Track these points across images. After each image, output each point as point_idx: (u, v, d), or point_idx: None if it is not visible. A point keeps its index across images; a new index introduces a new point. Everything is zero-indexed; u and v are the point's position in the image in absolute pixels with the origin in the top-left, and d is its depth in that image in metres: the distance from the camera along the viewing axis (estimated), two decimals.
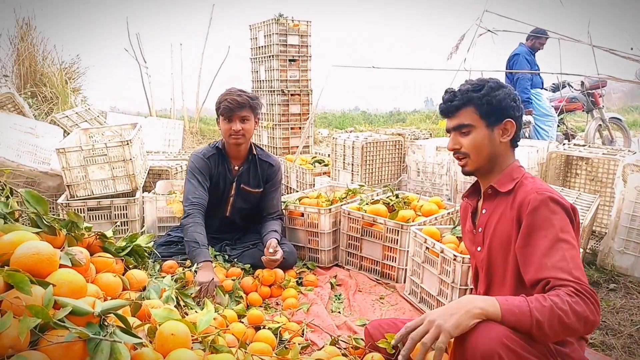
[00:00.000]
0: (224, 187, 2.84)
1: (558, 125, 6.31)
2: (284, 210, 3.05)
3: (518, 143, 1.58)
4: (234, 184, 2.85)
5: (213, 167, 2.80)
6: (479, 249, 1.60)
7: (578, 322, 1.17)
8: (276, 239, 2.66)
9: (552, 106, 6.03)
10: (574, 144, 3.81)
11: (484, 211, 1.58)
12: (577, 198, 2.98)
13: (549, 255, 1.28)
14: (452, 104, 1.53)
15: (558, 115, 6.09)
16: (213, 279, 2.24)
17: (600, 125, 6.32)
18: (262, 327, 2.01)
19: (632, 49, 2.52)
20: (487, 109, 1.49)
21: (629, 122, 8.02)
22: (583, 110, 6.55)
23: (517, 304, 1.18)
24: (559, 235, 1.30)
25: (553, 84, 6.36)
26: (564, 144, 3.81)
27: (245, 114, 2.68)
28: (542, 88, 5.93)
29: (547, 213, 1.34)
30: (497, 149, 1.52)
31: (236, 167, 2.85)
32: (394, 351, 1.68)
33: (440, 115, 1.62)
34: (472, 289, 2.02)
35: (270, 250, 2.54)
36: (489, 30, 2.12)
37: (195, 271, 2.30)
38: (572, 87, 6.45)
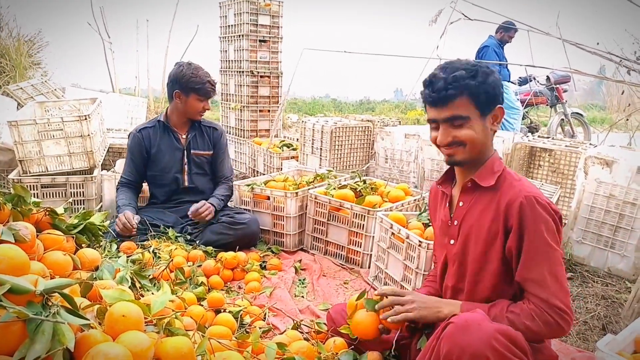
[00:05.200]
0: (173, 156, 2.90)
1: (523, 119, 6.44)
2: (250, 193, 2.99)
3: None
4: (185, 151, 2.92)
5: (149, 138, 2.88)
6: (452, 242, 1.51)
7: (531, 338, 1.26)
8: (212, 203, 2.82)
9: (518, 99, 6.14)
10: (539, 136, 3.88)
11: (461, 204, 1.48)
12: (539, 189, 3.03)
13: (535, 264, 1.31)
14: (446, 93, 1.34)
15: (523, 109, 6.21)
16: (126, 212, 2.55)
17: (562, 119, 6.49)
18: (222, 310, 1.96)
19: (598, 43, 2.55)
20: (484, 98, 1.36)
21: (588, 118, 8.28)
22: (547, 105, 6.70)
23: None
24: (549, 242, 1.30)
25: (520, 77, 6.46)
26: (527, 136, 3.87)
27: None
28: (509, 81, 6.02)
29: (537, 218, 1.31)
30: (487, 139, 1.42)
31: (184, 136, 2.94)
32: (355, 336, 1.66)
33: (427, 104, 1.41)
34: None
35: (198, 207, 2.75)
36: (463, 15, 2.09)
37: (154, 251, 2.25)
38: (538, 82, 6.58)
